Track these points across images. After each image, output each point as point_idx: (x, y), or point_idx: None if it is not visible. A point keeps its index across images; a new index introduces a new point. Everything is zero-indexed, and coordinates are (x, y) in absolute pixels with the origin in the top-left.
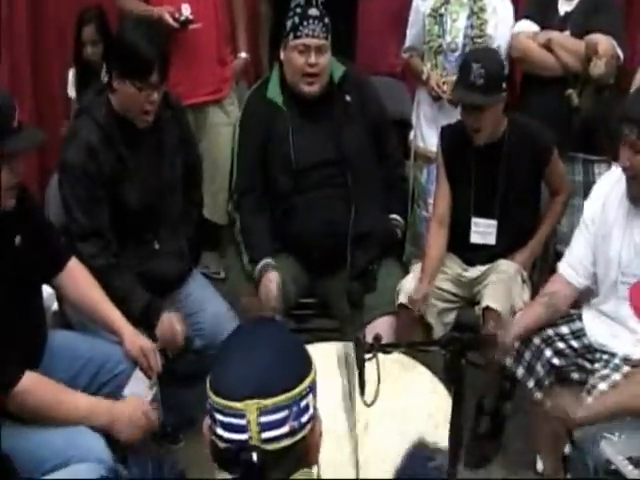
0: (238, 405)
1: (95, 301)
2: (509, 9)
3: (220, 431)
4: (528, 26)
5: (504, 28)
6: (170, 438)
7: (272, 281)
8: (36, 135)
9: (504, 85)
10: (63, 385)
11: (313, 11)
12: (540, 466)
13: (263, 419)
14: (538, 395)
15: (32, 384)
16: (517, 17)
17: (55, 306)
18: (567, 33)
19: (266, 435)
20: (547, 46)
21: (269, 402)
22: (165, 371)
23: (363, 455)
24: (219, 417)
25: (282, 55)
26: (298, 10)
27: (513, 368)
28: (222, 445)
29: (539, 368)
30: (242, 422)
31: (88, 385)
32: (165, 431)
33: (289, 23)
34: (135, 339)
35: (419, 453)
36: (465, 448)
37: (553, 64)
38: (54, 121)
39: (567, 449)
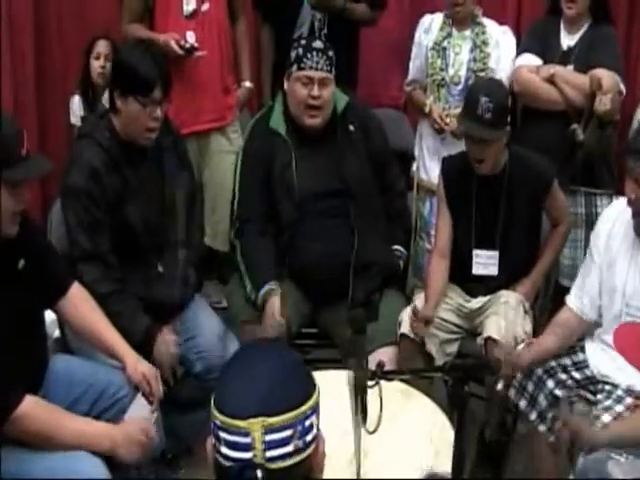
0: (243, 423)
1: (97, 326)
2: (511, 42)
3: (225, 450)
4: (530, 60)
5: (506, 61)
6: (170, 465)
7: (275, 308)
8: (43, 164)
9: (508, 118)
10: (63, 410)
11: (317, 43)
12: None
13: (268, 437)
14: (541, 427)
15: (31, 409)
16: (519, 47)
17: (57, 333)
18: (570, 67)
19: (271, 454)
20: (550, 80)
21: (274, 420)
22: (166, 397)
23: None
24: (224, 435)
25: (285, 85)
26: (302, 42)
27: (515, 400)
28: (226, 464)
29: (541, 399)
30: (247, 440)
31: (89, 410)
32: (165, 458)
33: (293, 54)
34: (137, 365)
35: None
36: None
37: (556, 98)
38: (57, 148)
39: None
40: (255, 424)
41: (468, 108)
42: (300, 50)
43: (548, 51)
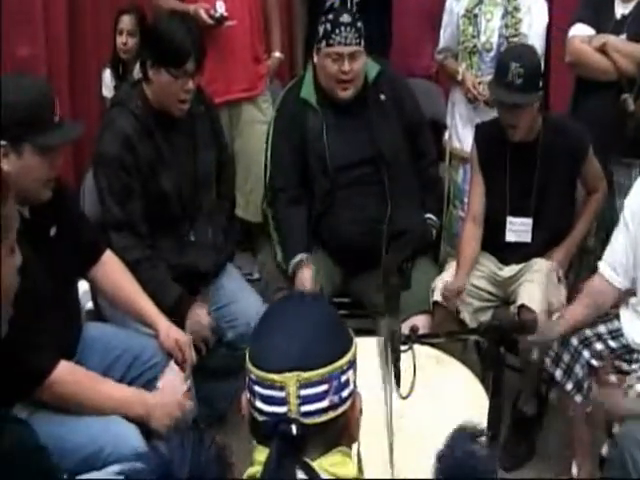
0: (277, 377)
1: (130, 293)
2: (543, 8)
3: (259, 404)
4: (583, 30)
5: (538, 27)
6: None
7: (307, 279)
8: (76, 129)
9: (541, 83)
10: (97, 375)
11: (345, 17)
12: (575, 470)
13: (303, 392)
14: (577, 398)
15: (66, 373)
16: (551, 15)
17: (90, 304)
18: (623, 37)
19: (305, 408)
20: (602, 50)
21: (309, 375)
22: (198, 366)
23: (398, 446)
24: (258, 390)
25: (315, 59)
26: (330, 17)
27: (551, 370)
28: (261, 418)
29: (578, 370)
30: (282, 394)
31: (122, 377)
32: (197, 426)
33: (321, 29)
34: (170, 332)
35: (462, 435)
36: (500, 449)
37: (608, 68)
38: (90, 119)
39: (604, 450)
40: (290, 378)
41: (499, 74)
42: (328, 25)
43: (602, 20)
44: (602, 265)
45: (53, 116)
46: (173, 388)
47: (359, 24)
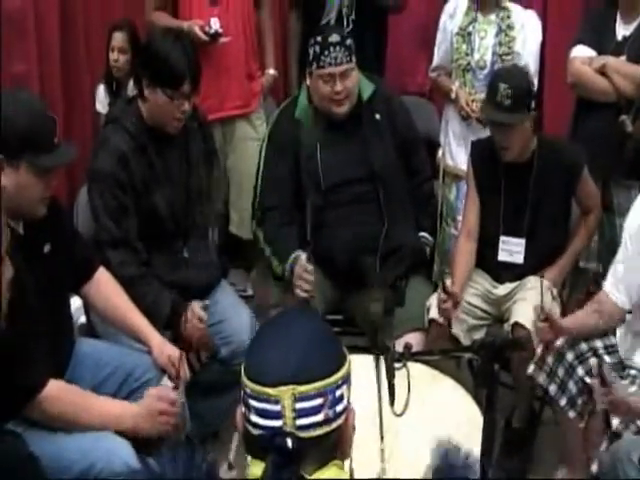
0: (272, 391)
1: (123, 310)
2: (537, 26)
3: (254, 418)
4: (584, 51)
5: (532, 45)
6: None
7: (304, 264)
8: (71, 151)
9: (532, 104)
10: (85, 391)
11: (334, 37)
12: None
13: (298, 405)
14: (571, 414)
15: (56, 391)
16: (545, 33)
17: (82, 319)
18: (623, 58)
19: (301, 422)
20: (603, 72)
21: (304, 388)
22: (191, 382)
23: (393, 463)
24: (253, 403)
25: (307, 81)
26: (319, 38)
27: (545, 385)
28: (256, 432)
29: (571, 386)
30: (277, 408)
31: (115, 393)
32: (190, 442)
33: (311, 52)
34: (163, 348)
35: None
36: (494, 464)
37: (608, 89)
38: (83, 135)
39: (594, 467)
40: (285, 392)
41: (489, 94)
42: (317, 48)
43: (602, 42)
44: (606, 284)
45: (53, 138)
46: (158, 393)
47: (348, 41)
